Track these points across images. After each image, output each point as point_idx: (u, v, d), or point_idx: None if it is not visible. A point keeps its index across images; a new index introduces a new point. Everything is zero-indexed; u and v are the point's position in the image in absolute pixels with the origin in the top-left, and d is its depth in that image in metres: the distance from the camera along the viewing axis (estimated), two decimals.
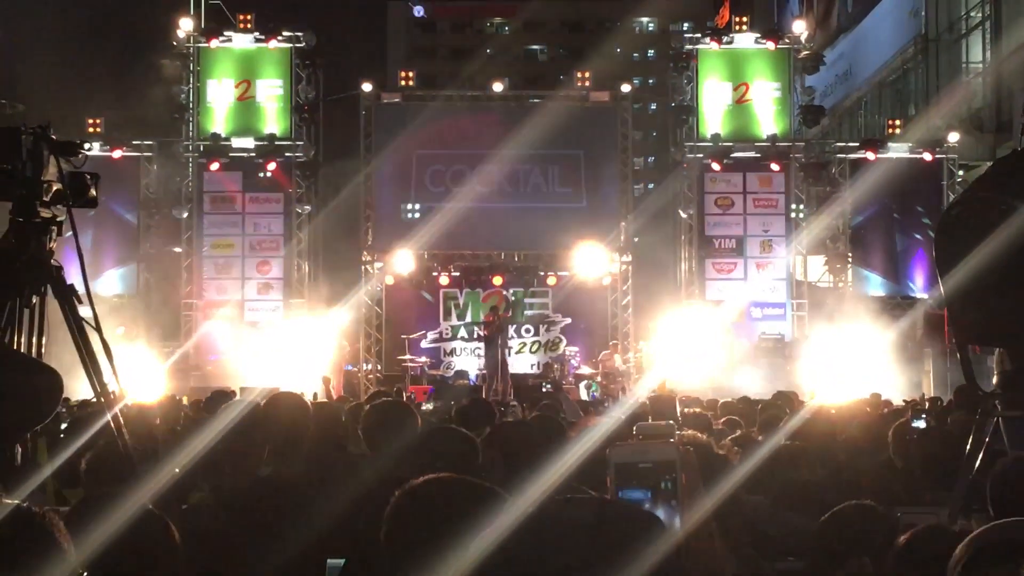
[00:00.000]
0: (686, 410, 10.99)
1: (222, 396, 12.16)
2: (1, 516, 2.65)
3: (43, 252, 5.76)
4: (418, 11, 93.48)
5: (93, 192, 6.01)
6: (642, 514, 2.65)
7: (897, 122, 31.76)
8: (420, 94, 32.54)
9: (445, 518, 2.92)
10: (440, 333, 31.35)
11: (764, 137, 30.25)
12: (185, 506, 5.73)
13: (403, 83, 32.33)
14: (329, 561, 4.43)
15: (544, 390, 24.36)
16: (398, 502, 3.09)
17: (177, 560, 3.81)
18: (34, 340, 5.77)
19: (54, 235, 5.84)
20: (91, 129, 29.12)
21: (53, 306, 5.88)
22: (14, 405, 4.48)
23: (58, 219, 5.88)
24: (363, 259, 31.53)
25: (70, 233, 6.01)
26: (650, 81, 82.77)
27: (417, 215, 31.20)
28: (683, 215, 30.83)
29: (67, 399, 10.57)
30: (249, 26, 30.23)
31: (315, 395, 21.30)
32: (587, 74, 32.27)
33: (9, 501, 2.79)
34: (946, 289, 5.00)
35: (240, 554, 5.00)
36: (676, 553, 2.64)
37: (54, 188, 5.82)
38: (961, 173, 29.88)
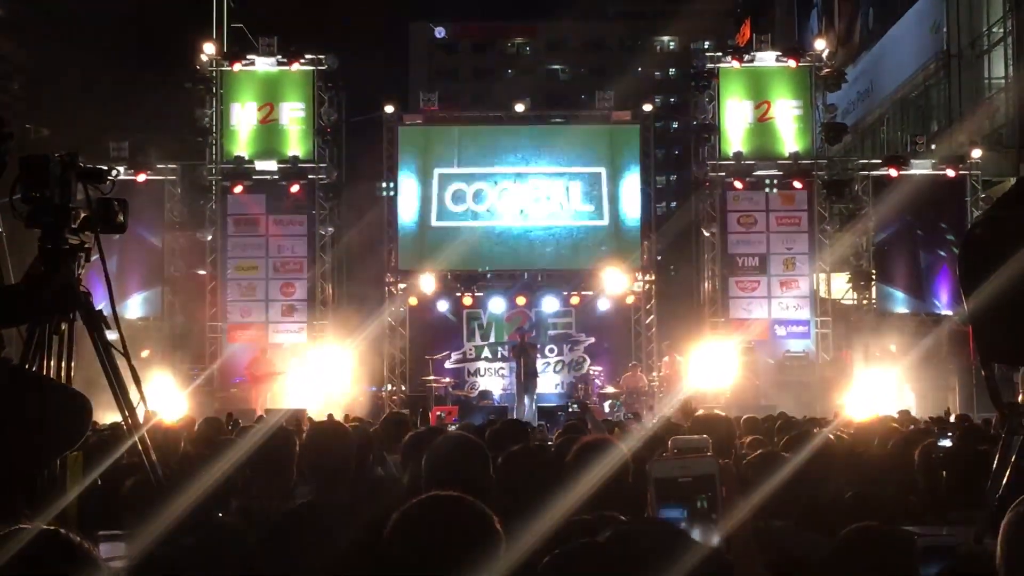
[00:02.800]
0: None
1: (215, 423, 12.20)
2: (28, 539, 2.67)
3: (71, 278, 5.82)
4: (439, 32, 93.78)
5: (121, 218, 6.07)
6: (672, 533, 2.64)
7: (919, 139, 31.66)
8: (442, 115, 32.65)
9: (437, 538, 2.93)
10: (464, 353, 31.38)
11: (786, 155, 30.21)
12: (212, 527, 5.76)
13: (425, 104, 32.44)
14: None
15: (570, 410, 24.35)
16: (394, 522, 3.11)
17: None
18: (63, 365, 5.84)
19: (82, 261, 5.90)
20: (115, 153, 29.29)
21: (80, 330, 5.94)
22: (45, 430, 4.53)
23: (86, 245, 5.95)
24: (387, 280, 31.60)
25: (96, 257, 6.08)
26: (671, 100, 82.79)
27: (439, 235, 31.27)
28: (706, 233, 30.80)
29: (95, 423, 10.63)
30: (272, 49, 30.38)
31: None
32: (609, 93, 32.31)
33: (32, 526, 2.82)
34: (970, 307, 5.00)
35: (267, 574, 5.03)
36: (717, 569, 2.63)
37: (82, 215, 5.90)
38: (983, 191, 29.78)
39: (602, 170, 31.60)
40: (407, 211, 31.61)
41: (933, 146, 32.44)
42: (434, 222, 31.46)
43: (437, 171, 31.46)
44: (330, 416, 20.64)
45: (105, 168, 6.02)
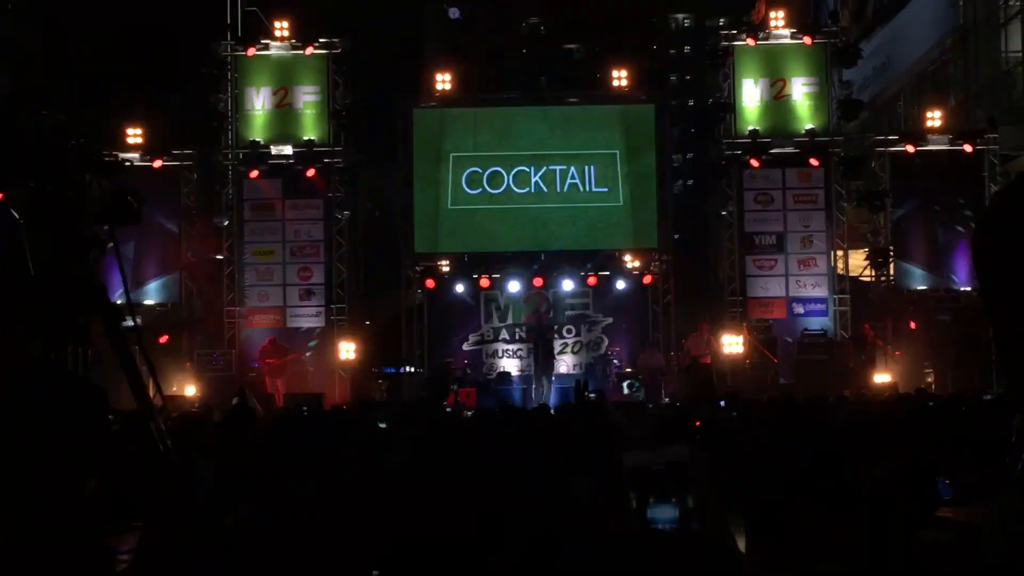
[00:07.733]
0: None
1: (244, 409, 12.24)
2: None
3: (86, 271, 5.83)
4: (454, 13, 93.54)
5: (135, 208, 6.08)
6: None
7: (936, 114, 31.45)
8: (456, 97, 32.57)
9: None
10: (482, 335, 31.38)
11: (803, 132, 30.11)
12: (232, 518, 5.79)
13: (440, 85, 32.33)
14: (373, 573, 4.48)
15: (587, 395, 24.33)
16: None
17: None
18: (79, 358, 5.85)
19: (96, 253, 5.91)
20: (130, 139, 29.38)
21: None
22: (62, 425, 4.54)
23: (100, 237, 5.96)
24: (404, 263, 31.60)
25: (111, 248, 6.09)
26: (687, 77, 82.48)
27: (456, 219, 31.25)
28: (722, 212, 30.71)
29: (112, 413, 10.65)
30: (286, 34, 30.35)
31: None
32: (624, 72, 32.19)
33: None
34: (986, 284, 4.97)
35: (285, 567, 5.05)
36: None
37: (96, 207, 5.91)
38: (1001, 166, 29.62)
39: (617, 151, 31.47)
40: (424, 193, 31.53)
41: (949, 121, 32.25)
42: (449, 205, 31.38)
43: (452, 155, 31.38)
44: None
45: (118, 160, 6.05)
